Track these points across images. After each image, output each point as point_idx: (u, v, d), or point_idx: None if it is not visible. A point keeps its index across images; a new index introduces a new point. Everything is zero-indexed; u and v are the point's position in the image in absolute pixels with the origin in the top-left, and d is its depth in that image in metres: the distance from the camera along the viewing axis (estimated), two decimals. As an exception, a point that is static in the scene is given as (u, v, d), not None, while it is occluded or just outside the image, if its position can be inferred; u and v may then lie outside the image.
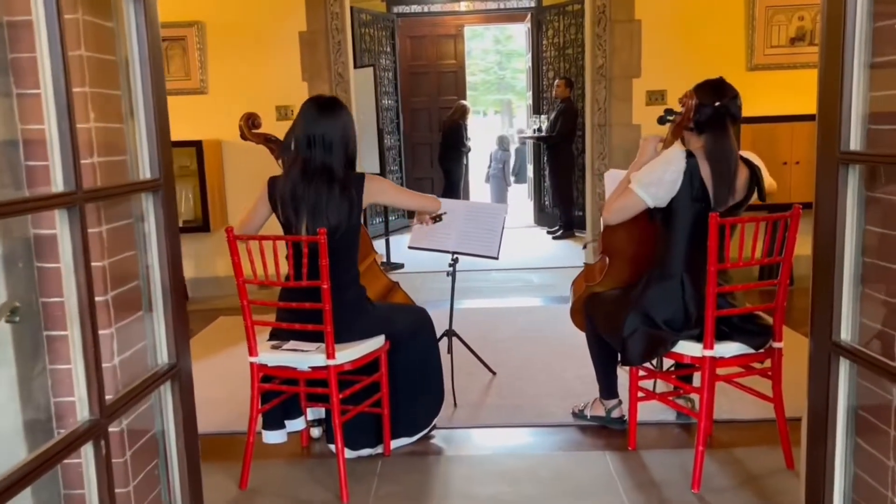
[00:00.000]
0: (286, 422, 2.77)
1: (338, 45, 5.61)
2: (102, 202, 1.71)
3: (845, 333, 1.79)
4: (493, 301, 5.25)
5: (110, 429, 1.73)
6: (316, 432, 2.99)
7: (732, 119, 2.51)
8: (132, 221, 1.83)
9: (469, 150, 9.01)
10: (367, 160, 6.44)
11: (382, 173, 6.80)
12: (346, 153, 2.61)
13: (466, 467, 2.75)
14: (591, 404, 3.06)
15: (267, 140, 2.90)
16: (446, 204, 3.52)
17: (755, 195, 2.56)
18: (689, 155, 2.49)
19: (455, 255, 3.45)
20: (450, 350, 3.47)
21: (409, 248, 3.48)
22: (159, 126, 1.76)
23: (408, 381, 2.85)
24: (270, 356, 2.54)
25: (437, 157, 9.13)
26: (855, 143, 1.73)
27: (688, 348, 2.50)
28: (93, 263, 1.70)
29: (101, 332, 1.72)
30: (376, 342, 2.67)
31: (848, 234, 1.76)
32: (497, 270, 5.80)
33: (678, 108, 2.57)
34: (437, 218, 2.90)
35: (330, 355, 2.45)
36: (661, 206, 2.54)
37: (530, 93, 8.97)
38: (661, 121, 2.61)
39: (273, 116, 5.65)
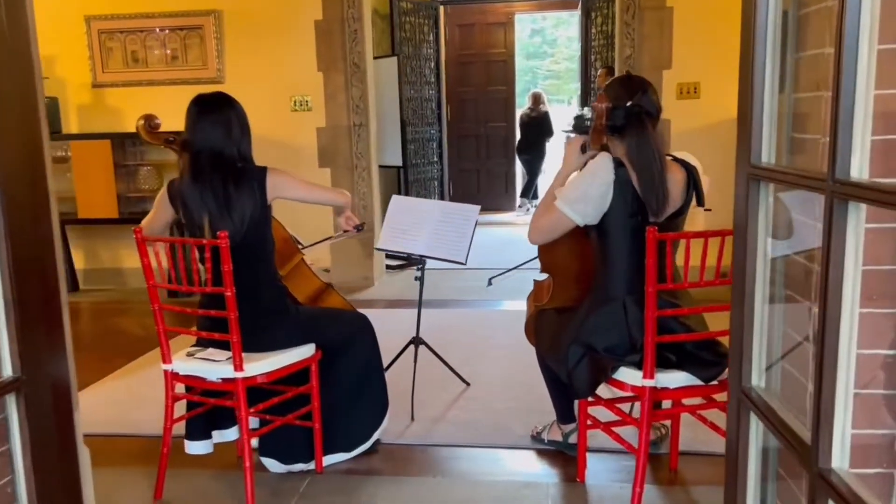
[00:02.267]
0: (215, 432, 2.65)
1: (354, 34, 5.45)
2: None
3: (756, 378, 1.51)
4: (490, 304, 5.01)
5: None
6: (255, 442, 2.86)
7: (650, 117, 2.21)
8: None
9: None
10: (388, 152, 6.30)
11: (405, 166, 6.64)
12: (238, 150, 2.47)
13: (397, 491, 2.56)
14: (550, 427, 2.81)
15: (167, 141, 2.79)
16: (419, 204, 3.33)
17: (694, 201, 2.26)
18: (619, 164, 2.20)
19: (423, 259, 3.26)
20: (416, 359, 3.27)
21: (377, 249, 3.30)
22: (-4, 124, 1.64)
23: (343, 392, 2.69)
24: (182, 364, 2.42)
25: (517, 149, 9.18)
26: (768, 154, 1.44)
27: (628, 376, 2.22)
28: None
29: (-80, 343, 1.62)
30: (301, 352, 2.51)
31: (760, 261, 1.48)
32: (495, 270, 5.56)
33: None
34: (359, 227, 2.70)
35: (237, 367, 2.30)
36: (592, 224, 2.27)
37: (579, 84, 8.63)
38: (575, 127, 2.34)
39: (288, 107, 5.56)
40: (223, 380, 2.36)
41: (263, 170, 2.48)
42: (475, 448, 2.87)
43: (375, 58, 5.89)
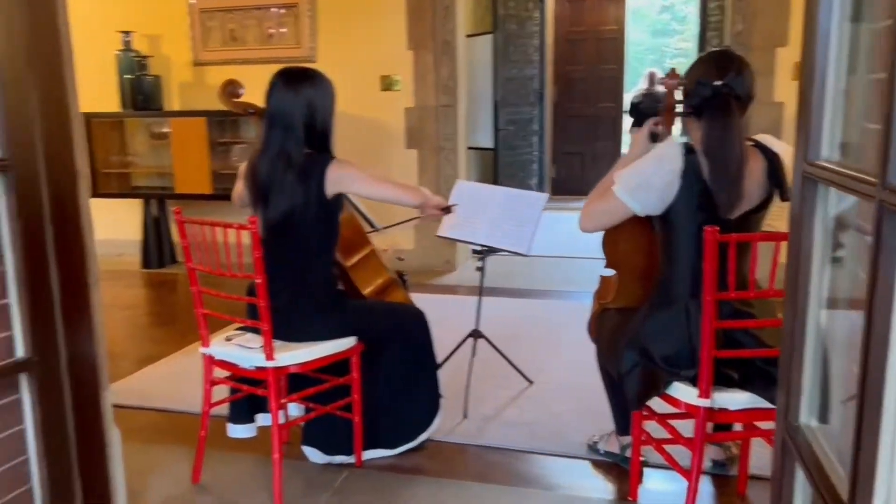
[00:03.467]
0: (259, 415, 2.61)
1: (445, 10, 5.29)
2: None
3: (806, 415, 1.26)
4: (573, 296, 4.76)
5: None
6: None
7: (739, 102, 1.91)
8: (-7, 202, 1.71)
9: None
10: (480, 134, 6.12)
11: (496, 148, 6.45)
12: (310, 132, 2.35)
13: (438, 493, 2.43)
14: (607, 438, 2.59)
15: (246, 110, 2.72)
16: (482, 190, 3.15)
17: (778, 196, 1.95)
18: (689, 150, 1.93)
19: (484, 248, 3.08)
20: (473, 353, 3.12)
21: (438, 237, 3.16)
22: (7, 105, 1.62)
23: (387, 388, 2.57)
24: (219, 349, 2.38)
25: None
26: (829, 149, 1.17)
27: (683, 392, 1.97)
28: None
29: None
30: (340, 343, 2.41)
31: (815, 276, 1.22)
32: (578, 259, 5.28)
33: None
34: (446, 209, 2.54)
35: (268, 356, 2.23)
36: (655, 215, 2.01)
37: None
38: (632, 111, 2.08)
39: (377, 86, 5.49)
40: (257, 368, 2.30)
41: (327, 161, 2.34)
42: (527, 453, 2.69)
43: (468, 35, 5.71)
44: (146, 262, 5.84)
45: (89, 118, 5.59)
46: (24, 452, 1.81)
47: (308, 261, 2.40)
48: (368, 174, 2.41)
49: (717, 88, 1.93)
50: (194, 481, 2.49)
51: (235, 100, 2.70)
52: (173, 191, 5.62)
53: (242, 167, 2.49)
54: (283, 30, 5.61)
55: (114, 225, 5.92)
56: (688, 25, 18.73)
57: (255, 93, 2.75)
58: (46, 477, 1.78)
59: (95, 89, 5.65)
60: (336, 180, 2.34)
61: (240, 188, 2.49)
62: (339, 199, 2.43)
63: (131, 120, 5.80)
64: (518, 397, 3.15)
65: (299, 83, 2.35)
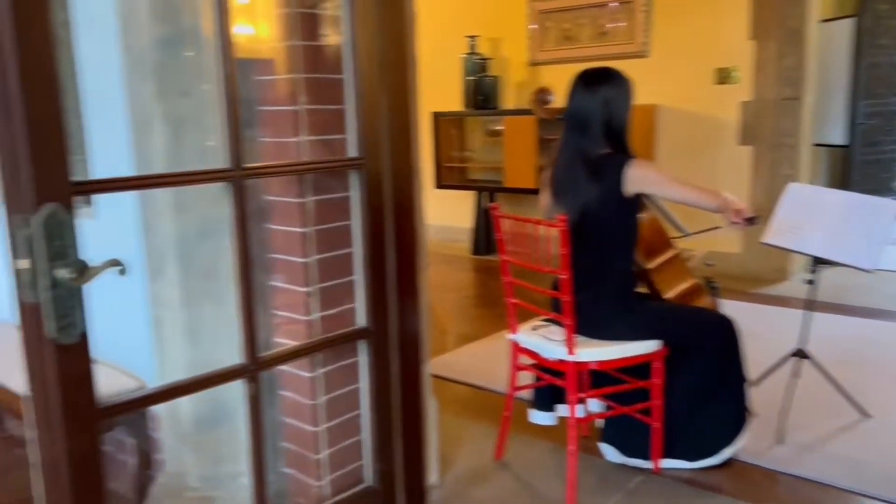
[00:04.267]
0: (559, 406, 2.70)
1: (795, -6, 4.82)
2: (308, 176, 1.94)
3: None
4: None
5: (303, 373, 2.01)
6: (601, 424, 2.83)
7: None
8: (348, 194, 2.01)
9: None
10: (829, 129, 5.48)
11: (850, 145, 5.69)
12: (607, 131, 2.35)
13: (737, 517, 2.28)
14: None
15: (555, 117, 2.78)
16: (822, 195, 2.84)
17: None
18: None
19: (818, 260, 2.78)
20: (796, 374, 2.83)
21: (762, 244, 2.92)
22: (363, 109, 1.89)
23: (687, 397, 2.47)
24: (524, 337, 2.50)
25: None
26: None
27: None
28: (293, 229, 1.98)
29: (298, 289, 2.00)
30: (644, 346, 2.38)
31: None
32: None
33: None
34: (750, 220, 2.36)
35: (569, 350, 2.30)
36: None
37: None
38: None
39: (711, 80, 5.22)
40: (558, 360, 2.38)
41: (626, 160, 2.35)
42: (851, 493, 2.38)
43: (823, 21, 5.13)
44: (475, 249, 6.34)
45: (437, 117, 6.24)
46: (357, 408, 2.13)
47: (606, 259, 2.41)
48: (666, 175, 2.35)
49: None
50: (496, 457, 2.67)
51: (545, 107, 2.79)
52: (502, 184, 6.00)
53: (545, 177, 2.58)
54: (619, 24, 5.61)
55: (452, 213, 6.53)
56: None
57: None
58: (375, 431, 2.06)
59: (444, 90, 6.27)
60: (635, 180, 2.31)
61: (544, 197, 2.58)
62: (638, 199, 2.40)
63: (471, 118, 6.31)
64: (848, 430, 2.79)
65: (597, 83, 2.37)
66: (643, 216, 2.48)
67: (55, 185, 1.34)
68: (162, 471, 2.28)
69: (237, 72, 1.59)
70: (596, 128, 2.37)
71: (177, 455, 2.09)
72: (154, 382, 2.27)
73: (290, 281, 2.02)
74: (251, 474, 1.75)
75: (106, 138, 2.13)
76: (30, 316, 1.36)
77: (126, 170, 2.02)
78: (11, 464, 2.94)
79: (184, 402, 2.04)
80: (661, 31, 5.43)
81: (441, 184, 6.30)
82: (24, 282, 1.34)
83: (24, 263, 1.34)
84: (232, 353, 2.03)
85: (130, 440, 2.43)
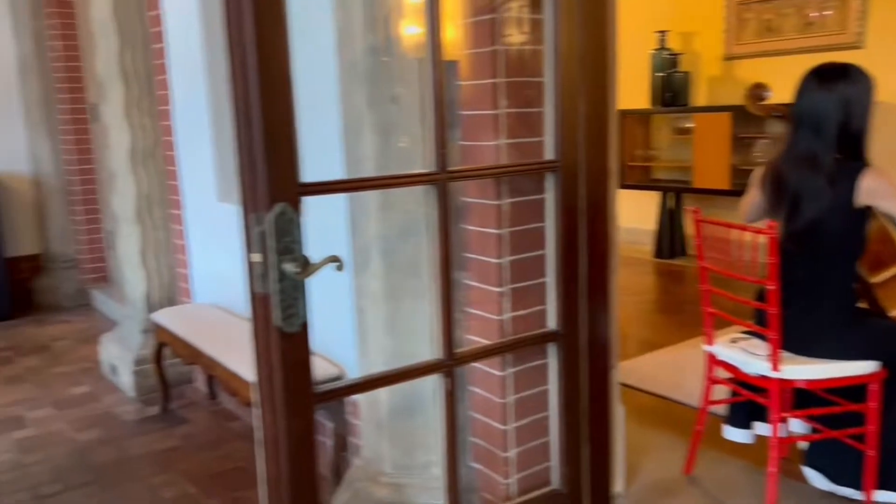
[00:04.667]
0: (756, 423, 2.54)
1: None
2: (504, 178, 1.97)
3: None
4: None
5: (494, 371, 2.06)
6: (804, 446, 2.63)
7: None
8: (543, 197, 2.02)
9: None
10: None
11: None
12: (843, 135, 2.15)
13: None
14: None
15: (773, 115, 2.59)
16: None
17: None
18: None
19: None
20: None
21: None
22: (562, 111, 1.89)
23: (907, 425, 2.23)
24: (723, 349, 2.38)
25: None
26: None
27: None
28: (489, 230, 2.02)
29: (491, 288, 2.04)
30: (858, 366, 2.17)
31: None
32: None
33: None
34: None
35: (773, 366, 2.15)
36: None
37: None
38: None
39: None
40: (760, 375, 2.24)
41: (860, 168, 2.16)
42: None
43: None
44: (658, 252, 6.12)
45: (623, 115, 6.08)
46: (545, 409, 2.13)
47: (826, 272, 2.22)
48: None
49: None
50: (686, 472, 2.57)
51: (761, 103, 2.62)
52: (691, 185, 5.74)
53: (756, 174, 2.42)
54: (827, 13, 5.17)
55: (634, 215, 6.34)
56: None
57: (786, 87, 2.63)
58: (562, 435, 2.05)
59: (630, 87, 6.09)
60: (869, 191, 2.11)
61: (752, 197, 2.42)
62: (868, 209, 2.18)
63: (657, 116, 6.10)
64: None
65: (834, 81, 2.17)
66: (871, 225, 2.26)
67: (285, 187, 1.47)
68: (357, 454, 2.43)
69: (445, 77, 1.65)
70: (831, 130, 2.18)
71: (373, 441, 2.20)
72: (354, 370, 2.43)
73: (483, 280, 2.07)
74: (444, 466, 1.81)
75: (316, 142, 2.29)
76: (260, 305, 1.50)
77: (338, 172, 2.17)
78: (225, 435, 3.27)
79: (381, 391, 2.15)
80: (880, 18, 4.93)
81: (624, 183, 6.12)
82: (256, 274, 1.48)
83: (257, 257, 1.47)
84: (424, 347, 2.12)
85: (329, 423, 2.61)
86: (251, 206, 1.47)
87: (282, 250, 1.46)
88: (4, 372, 4.22)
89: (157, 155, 3.78)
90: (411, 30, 2.07)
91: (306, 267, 1.47)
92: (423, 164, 2.00)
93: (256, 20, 1.39)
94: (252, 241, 1.48)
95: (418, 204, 2.06)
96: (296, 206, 1.47)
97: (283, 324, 1.49)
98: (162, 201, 3.83)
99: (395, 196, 2.11)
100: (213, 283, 3.64)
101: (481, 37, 1.98)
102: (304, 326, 1.52)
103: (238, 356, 2.72)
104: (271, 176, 1.45)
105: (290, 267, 1.46)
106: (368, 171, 2.09)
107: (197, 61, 3.37)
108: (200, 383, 3.77)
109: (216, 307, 3.54)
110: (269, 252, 1.45)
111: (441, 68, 1.65)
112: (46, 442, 3.27)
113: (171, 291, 3.90)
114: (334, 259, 1.50)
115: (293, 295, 1.49)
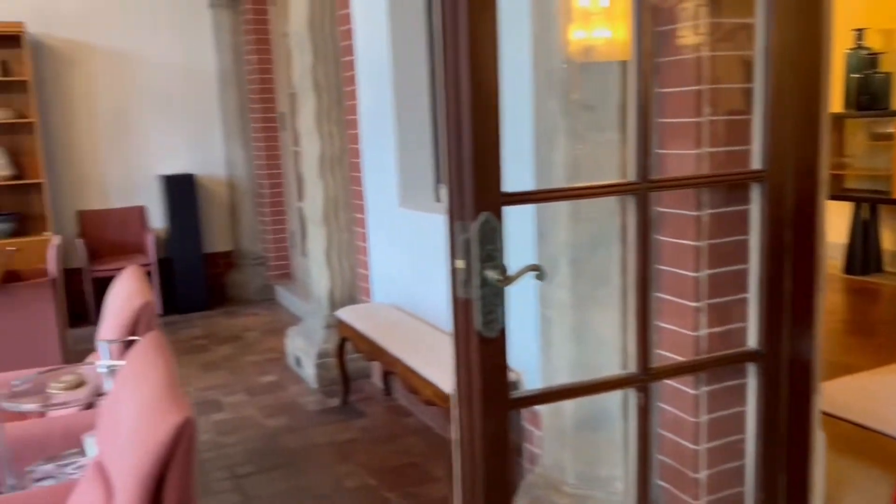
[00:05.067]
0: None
1: None
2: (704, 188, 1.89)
3: None
4: None
5: (686, 389, 1.99)
6: None
7: None
8: (746, 208, 1.91)
9: None
10: None
11: None
12: None
13: None
14: None
15: None
16: None
17: None
18: None
19: None
20: None
21: None
22: (770, 119, 1.79)
23: None
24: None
25: None
26: None
27: None
28: (686, 242, 1.95)
29: (686, 303, 1.97)
30: None
31: None
32: None
33: None
34: None
35: None
36: None
37: None
38: None
39: None
40: None
41: None
42: None
43: None
44: (849, 268, 5.63)
45: (810, 119, 5.66)
46: (741, 432, 2.02)
47: None
48: None
49: None
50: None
51: None
52: (889, 195, 5.24)
53: None
54: None
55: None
56: None
57: None
58: (759, 459, 1.94)
59: (820, 90, 5.67)
60: None
61: None
62: None
63: (851, 120, 5.62)
64: None
65: None
66: None
67: (490, 196, 1.50)
68: (535, 462, 2.43)
69: (652, 87, 1.61)
70: None
71: (555, 450, 2.20)
72: (534, 377, 2.43)
73: (678, 294, 2.00)
74: (633, 483, 1.76)
75: (507, 150, 2.32)
76: (462, 310, 1.54)
77: (528, 180, 2.18)
78: (400, 431, 3.39)
79: (566, 402, 2.14)
80: None
81: (810, 193, 5.71)
82: (460, 280, 1.52)
83: (461, 263, 1.52)
84: (609, 358, 2.09)
85: (505, 427, 2.63)
86: (458, 214, 1.51)
87: (484, 258, 1.49)
88: (202, 358, 4.63)
89: (343, 161, 4.00)
90: (600, 33, 2.04)
91: (506, 275, 1.49)
92: (618, 172, 1.97)
93: (471, 46, 1.43)
94: (457, 248, 1.52)
95: (609, 213, 2.04)
96: (498, 215, 1.50)
97: (484, 328, 1.52)
98: (347, 205, 4.04)
99: (585, 205, 2.09)
100: (391, 284, 3.79)
101: (683, 43, 1.92)
102: (503, 332, 1.54)
103: (421, 357, 2.81)
104: (478, 186, 1.49)
105: (492, 274, 1.49)
106: (559, 178, 2.09)
107: (384, 74, 3.53)
108: (376, 378, 3.94)
109: (394, 307, 3.68)
110: (473, 259, 1.49)
111: (647, 76, 1.61)
112: (240, 425, 3.55)
113: (353, 290, 4.11)
114: (535, 268, 1.51)
115: (494, 301, 1.52)
